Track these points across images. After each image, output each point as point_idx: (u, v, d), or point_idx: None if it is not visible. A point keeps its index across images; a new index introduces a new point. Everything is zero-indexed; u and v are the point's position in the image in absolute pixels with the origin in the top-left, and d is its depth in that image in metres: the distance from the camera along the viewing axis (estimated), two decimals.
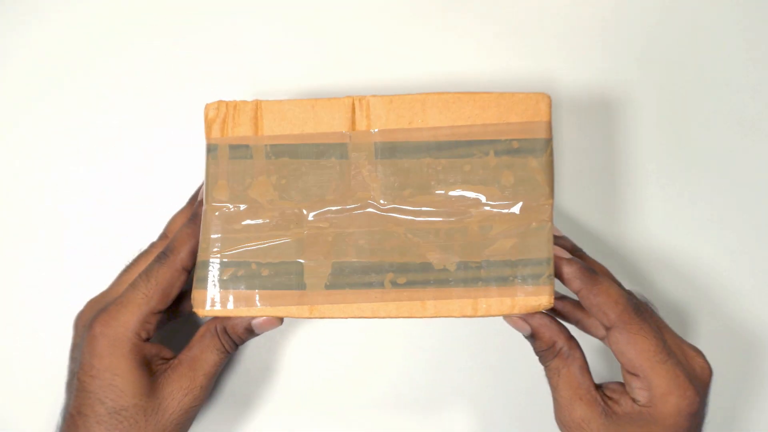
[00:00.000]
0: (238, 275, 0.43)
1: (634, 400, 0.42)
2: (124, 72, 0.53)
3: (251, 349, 0.51)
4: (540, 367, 0.45)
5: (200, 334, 0.45)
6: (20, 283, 0.52)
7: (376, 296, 0.43)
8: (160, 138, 0.52)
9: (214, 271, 0.43)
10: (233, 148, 0.43)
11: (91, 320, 0.43)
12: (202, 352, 0.44)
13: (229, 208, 0.43)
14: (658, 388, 0.41)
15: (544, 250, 0.42)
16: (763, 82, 0.52)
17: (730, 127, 0.52)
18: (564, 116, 0.52)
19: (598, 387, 0.44)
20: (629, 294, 0.43)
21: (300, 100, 0.44)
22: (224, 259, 0.43)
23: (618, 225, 0.52)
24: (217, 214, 0.43)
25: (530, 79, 0.52)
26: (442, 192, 0.43)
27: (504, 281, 0.42)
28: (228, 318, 0.44)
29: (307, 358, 0.51)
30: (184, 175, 0.52)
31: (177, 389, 0.43)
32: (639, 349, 0.41)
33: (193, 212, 0.45)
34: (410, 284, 0.43)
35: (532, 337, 0.44)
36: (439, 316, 0.42)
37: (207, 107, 0.44)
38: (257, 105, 0.44)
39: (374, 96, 0.43)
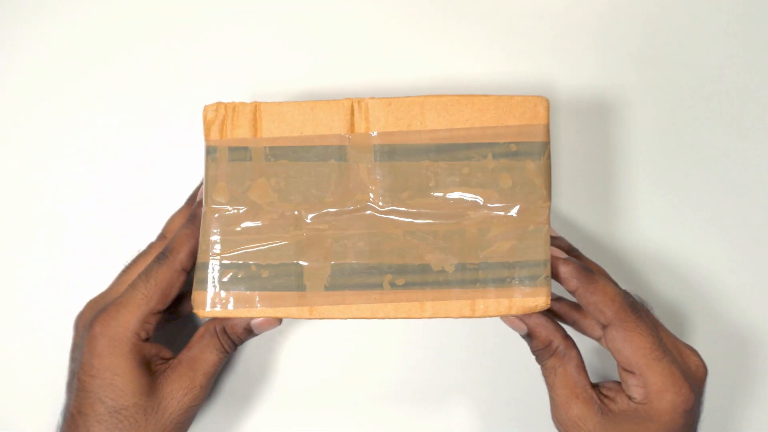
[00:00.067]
0: (238, 277, 0.43)
1: (629, 398, 0.42)
2: (124, 72, 0.52)
3: (250, 348, 0.51)
4: (538, 366, 0.45)
5: (199, 334, 0.45)
6: (20, 283, 0.51)
7: (375, 297, 0.42)
8: (160, 138, 0.52)
9: (214, 273, 0.43)
10: (232, 150, 0.43)
11: (91, 320, 0.43)
12: (202, 352, 0.44)
13: (228, 210, 0.43)
14: (653, 385, 0.41)
15: (541, 252, 0.42)
16: (759, 84, 0.52)
17: (725, 129, 0.52)
18: (560, 118, 0.52)
19: (595, 386, 0.44)
20: (625, 293, 0.43)
21: (299, 102, 0.43)
22: (224, 261, 0.43)
23: (613, 226, 0.51)
24: (216, 215, 0.43)
25: (527, 81, 0.52)
26: (441, 194, 0.43)
27: (502, 283, 0.42)
28: (227, 318, 0.44)
29: (305, 357, 0.51)
30: (184, 175, 0.51)
31: (177, 389, 0.43)
32: (635, 346, 0.41)
33: (192, 213, 0.45)
34: (409, 285, 0.43)
35: (529, 337, 0.44)
36: (438, 317, 0.42)
37: (206, 109, 0.43)
38: (256, 107, 0.43)
39: (373, 98, 0.43)
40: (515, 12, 0.52)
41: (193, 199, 0.48)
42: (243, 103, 0.43)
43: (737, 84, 0.52)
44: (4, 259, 0.51)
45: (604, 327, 0.42)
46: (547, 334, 0.44)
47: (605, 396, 0.43)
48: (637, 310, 0.42)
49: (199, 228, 0.44)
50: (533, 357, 0.45)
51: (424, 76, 0.52)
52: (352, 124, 0.43)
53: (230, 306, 0.43)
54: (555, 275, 0.43)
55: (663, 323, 0.45)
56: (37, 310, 0.51)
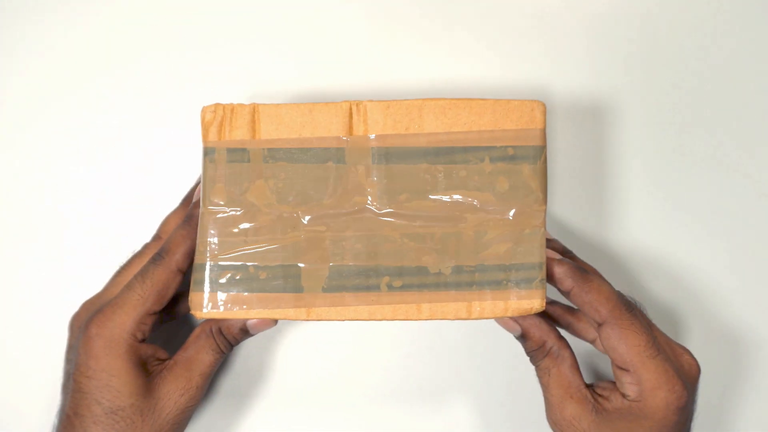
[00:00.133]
0: (235, 278, 0.42)
1: (624, 396, 0.42)
2: (123, 72, 0.52)
3: (247, 347, 0.51)
4: (533, 366, 0.45)
5: (195, 334, 0.45)
6: (20, 283, 0.51)
7: (373, 299, 0.42)
8: (160, 138, 0.51)
9: (211, 274, 0.42)
10: (231, 151, 0.43)
11: (87, 321, 0.42)
12: (198, 353, 0.44)
13: (226, 212, 0.43)
14: (647, 383, 0.41)
15: (536, 255, 0.42)
16: (753, 87, 0.52)
17: (719, 133, 0.52)
18: (555, 121, 0.51)
19: (589, 385, 0.44)
20: (619, 293, 0.43)
21: (297, 105, 0.43)
22: (222, 262, 0.42)
23: (607, 228, 0.51)
24: (214, 217, 0.43)
25: (524, 84, 0.52)
26: (438, 197, 0.43)
27: (497, 285, 0.42)
28: (223, 319, 0.43)
29: (302, 356, 0.51)
30: (184, 175, 0.51)
31: (173, 389, 0.43)
32: (630, 344, 0.41)
33: (188, 213, 0.44)
34: (406, 287, 0.42)
35: (523, 338, 0.44)
36: (434, 319, 0.42)
37: (204, 110, 0.43)
38: (254, 109, 0.43)
39: (371, 101, 0.43)
40: (512, 16, 0.52)
41: (188, 199, 0.47)
42: (241, 105, 0.43)
43: (732, 88, 0.52)
44: (4, 259, 0.51)
45: (599, 326, 0.42)
46: (541, 334, 0.44)
47: (599, 395, 0.43)
48: (631, 308, 0.42)
49: (195, 229, 0.43)
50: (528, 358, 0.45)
51: (422, 78, 0.52)
52: (350, 127, 0.43)
53: (228, 307, 0.42)
54: (550, 276, 0.43)
55: (657, 325, 0.45)
56: (37, 310, 0.50)
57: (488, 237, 0.42)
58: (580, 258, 0.47)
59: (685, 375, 0.42)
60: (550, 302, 0.47)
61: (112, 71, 0.52)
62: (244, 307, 0.42)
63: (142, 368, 0.42)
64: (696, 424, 0.44)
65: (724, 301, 0.51)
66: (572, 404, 0.43)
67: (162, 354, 0.44)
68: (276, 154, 0.43)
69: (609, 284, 0.43)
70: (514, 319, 0.43)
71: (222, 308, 0.42)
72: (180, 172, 0.51)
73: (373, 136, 0.43)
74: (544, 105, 0.43)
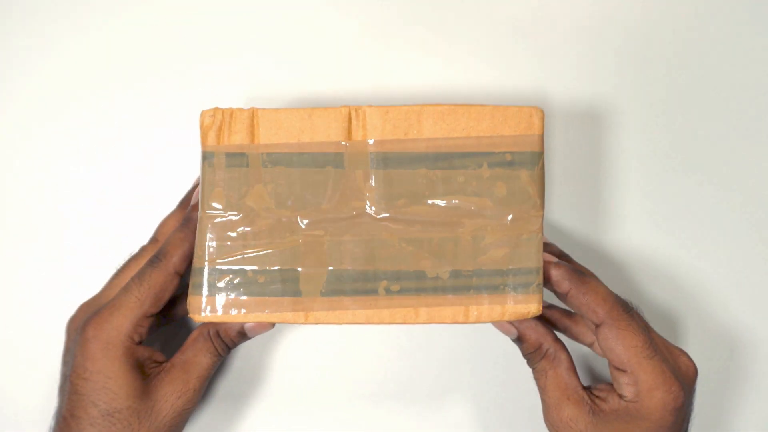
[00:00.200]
0: (234, 282, 0.42)
1: (621, 397, 0.42)
2: (123, 72, 0.51)
3: (244, 349, 0.50)
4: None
5: (193, 337, 0.44)
6: (20, 283, 0.50)
7: (371, 303, 0.42)
8: (160, 138, 0.51)
9: (210, 278, 0.42)
10: (230, 155, 0.42)
11: (84, 323, 0.42)
12: (195, 356, 0.44)
13: (225, 216, 0.42)
14: (644, 383, 0.41)
15: (533, 259, 0.42)
16: (749, 91, 0.52)
17: (713, 136, 0.52)
18: (552, 125, 0.51)
19: (586, 387, 0.44)
20: (616, 294, 0.43)
21: (296, 109, 0.42)
22: (220, 266, 0.42)
23: (604, 232, 0.51)
24: (213, 221, 0.42)
25: (522, 89, 0.51)
26: (436, 202, 0.42)
27: (495, 289, 0.42)
28: (221, 322, 0.43)
29: (299, 358, 0.50)
30: (183, 175, 0.50)
31: (170, 392, 0.42)
32: (627, 344, 0.41)
33: (186, 216, 0.44)
34: (404, 291, 0.42)
35: (519, 341, 0.44)
36: (432, 323, 0.42)
37: (203, 114, 0.42)
38: (253, 113, 0.42)
39: (370, 106, 0.42)
40: (510, 22, 0.52)
41: (185, 202, 0.47)
42: (240, 109, 0.42)
43: (728, 92, 0.52)
44: (4, 259, 0.50)
45: (596, 327, 0.42)
46: (537, 337, 0.44)
47: (596, 396, 0.43)
48: (628, 309, 0.42)
49: (192, 231, 0.43)
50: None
51: (421, 84, 0.51)
52: (349, 132, 0.42)
53: (226, 311, 0.42)
54: (546, 279, 0.43)
55: (654, 327, 0.45)
56: (37, 311, 0.50)
57: (486, 242, 0.42)
58: (577, 261, 0.47)
59: (682, 376, 0.42)
60: (548, 306, 0.47)
61: (112, 72, 0.51)
62: (243, 310, 0.42)
63: (139, 371, 0.42)
64: (693, 425, 0.44)
65: (720, 303, 0.51)
66: (569, 406, 0.43)
67: (159, 357, 0.43)
68: (275, 158, 0.42)
69: (606, 286, 0.43)
70: (511, 322, 0.43)
71: (220, 312, 0.42)
72: (179, 172, 0.51)
73: (371, 141, 0.42)
74: (542, 111, 0.42)
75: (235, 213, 0.42)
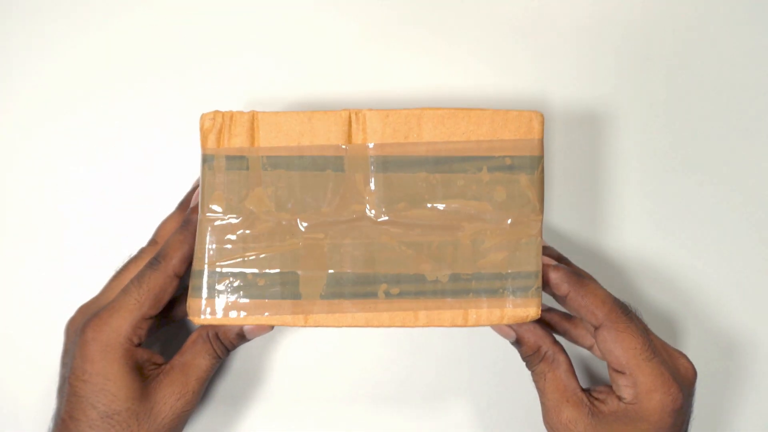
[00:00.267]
0: (234, 285, 0.42)
1: (619, 399, 0.42)
2: (124, 72, 0.51)
3: (243, 350, 0.50)
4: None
5: (192, 339, 0.44)
6: (20, 283, 0.50)
7: (370, 306, 0.42)
8: (160, 138, 0.51)
9: (209, 281, 0.42)
10: (230, 159, 0.42)
11: (83, 325, 0.41)
12: (195, 358, 0.43)
13: (224, 219, 0.42)
14: (643, 385, 0.41)
15: (533, 263, 0.42)
16: (747, 93, 0.52)
17: (713, 138, 0.52)
18: (551, 128, 0.51)
19: (585, 389, 0.44)
20: (615, 297, 0.43)
21: (296, 113, 0.42)
22: (220, 269, 0.42)
23: (602, 235, 0.51)
24: (212, 224, 0.42)
25: (521, 92, 0.51)
26: (436, 206, 0.42)
27: (494, 293, 0.42)
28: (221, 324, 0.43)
29: (299, 359, 0.50)
30: (184, 176, 0.50)
31: (169, 394, 0.42)
32: (626, 346, 0.41)
33: (185, 218, 0.44)
34: (403, 295, 0.42)
35: (518, 343, 0.44)
36: (431, 326, 0.42)
37: (203, 117, 0.42)
38: (253, 116, 0.42)
39: (371, 110, 0.42)
40: (509, 26, 0.52)
41: (185, 204, 0.47)
42: (240, 112, 0.42)
43: (726, 94, 0.52)
44: (4, 260, 0.50)
45: (595, 329, 0.42)
46: (536, 339, 0.43)
47: (595, 398, 0.43)
48: (627, 312, 0.42)
49: (192, 233, 0.43)
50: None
51: (421, 87, 0.51)
52: (349, 135, 0.42)
53: (225, 314, 0.42)
54: (546, 282, 0.43)
55: (653, 330, 0.45)
56: (36, 311, 0.50)
57: (485, 246, 0.42)
58: (576, 264, 0.47)
59: (681, 378, 0.42)
60: (547, 309, 0.47)
61: (113, 72, 0.51)
62: (242, 313, 0.41)
63: (138, 372, 0.42)
64: (692, 427, 0.44)
65: (720, 305, 0.51)
66: (568, 408, 0.42)
67: (158, 358, 0.43)
68: (275, 161, 0.42)
69: (604, 289, 0.43)
70: (509, 325, 0.43)
71: (220, 314, 0.42)
72: (180, 172, 0.50)
73: (371, 145, 0.42)
74: (542, 115, 0.42)
75: (235, 216, 0.42)
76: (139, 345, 0.42)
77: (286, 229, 0.42)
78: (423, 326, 0.42)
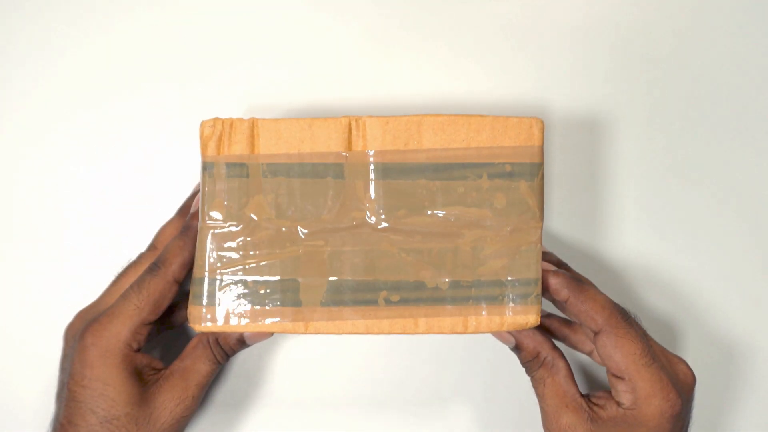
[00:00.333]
0: (234, 292, 0.41)
1: (618, 404, 0.41)
2: (125, 75, 0.51)
3: (243, 354, 0.50)
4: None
5: (192, 345, 0.44)
6: (20, 283, 0.50)
7: (370, 313, 0.42)
8: (160, 138, 0.50)
9: (210, 288, 0.41)
10: (230, 166, 0.42)
11: (82, 330, 0.41)
12: (195, 363, 0.43)
13: (225, 226, 0.42)
14: (642, 391, 0.40)
15: (532, 270, 0.42)
16: (745, 99, 0.52)
17: (713, 143, 0.51)
18: (551, 134, 0.51)
19: (584, 395, 0.43)
20: (615, 302, 0.42)
21: (296, 120, 0.42)
22: (220, 277, 0.41)
23: (602, 240, 0.51)
24: (213, 231, 0.42)
25: (520, 97, 0.51)
26: (436, 213, 0.42)
27: (493, 300, 0.42)
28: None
29: (299, 364, 0.50)
30: (185, 178, 0.50)
31: (169, 399, 0.42)
32: (625, 352, 0.41)
33: (185, 224, 0.43)
34: (403, 302, 0.42)
35: (517, 349, 0.44)
36: (431, 333, 0.42)
37: (203, 125, 0.42)
38: (253, 123, 0.42)
39: (371, 117, 0.42)
40: (510, 33, 0.52)
41: (184, 209, 0.46)
42: (240, 120, 0.42)
43: (726, 99, 0.52)
44: (4, 260, 0.50)
45: (595, 335, 0.42)
46: (535, 345, 0.43)
47: (594, 404, 0.43)
48: (627, 317, 0.42)
49: (192, 239, 0.43)
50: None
51: (420, 94, 0.51)
52: (349, 142, 0.42)
53: (226, 321, 0.41)
54: (545, 287, 0.42)
55: (652, 335, 0.44)
56: (37, 312, 0.50)
57: (485, 252, 0.42)
58: (575, 270, 0.47)
59: (680, 384, 0.42)
60: (547, 315, 0.47)
61: (114, 77, 0.51)
62: (243, 320, 0.41)
63: (138, 378, 0.41)
64: None
65: (719, 311, 0.51)
66: (568, 413, 0.42)
67: (157, 364, 0.43)
68: (275, 168, 0.42)
69: (604, 294, 0.43)
70: (509, 331, 0.43)
71: (220, 322, 0.41)
72: (180, 175, 0.50)
73: (371, 152, 0.42)
74: (542, 122, 0.42)
75: (235, 223, 0.42)
76: (138, 350, 0.42)
77: (287, 237, 0.42)
78: (423, 333, 0.42)
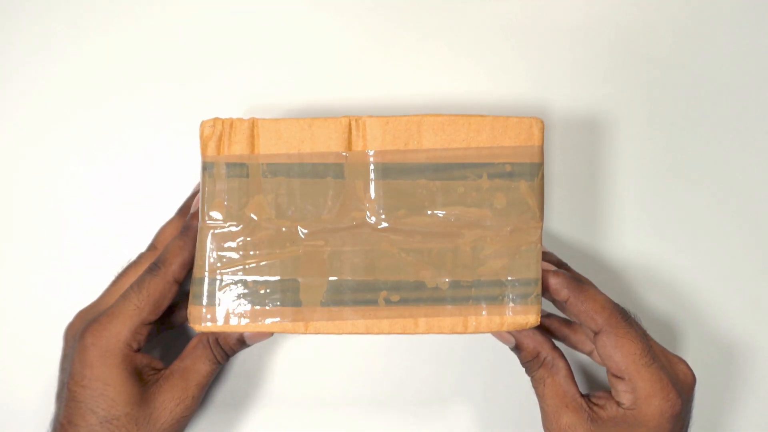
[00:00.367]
0: (234, 292, 0.41)
1: (618, 404, 0.41)
2: (125, 75, 0.51)
3: (243, 353, 0.49)
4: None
5: (192, 345, 0.44)
6: (20, 284, 0.50)
7: (370, 313, 0.41)
8: (161, 138, 0.50)
9: (210, 288, 0.41)
10: (230, 166, 0.42)
11: (82, 330, 0.41)
12: (195, 363, 0.43)
13: (225, 226, 0.42)
14: (642, 391, 0.40)
15: (532, 270, 0.42)
16: (744, 100, 0.52)
17: (713, 144, 0.51)
18: (551, 134, 0.51)
19: (584, 395, 0.43)
20: (615, 302, 0.42)
21: (296, 120, 0.42)
22: (220, 277, 0.41)
23: (602, 240, 0.51)
24: (213, 231, 0.42)
25: (520, 97, 0.51)
26: (436, 213, 0.42)
27: (493, 300, 0.41)
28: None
29: (299, 364, 0.50)
30: (185, 178, 0.50)
31: (169, 399, 0.42)
32: (625, 352, 0.41)
33: (185, 224, 0.43)
34: (403, 302, 0.42)
35: (517, 349, 0.44)
36: (431, 333, 0.42)
37: (203, 125, 0.42)
38: (253, 123, 0.42)
39: (371, 117, 0.42)
40: (510, 33, 0.51)
41: (184, 209, 0.46)
42: (240, 120, 0.42)
43: (726, 100, 0.52)
44: (4, 261, 0.50)
45: (595, 335, 0.42)
46: (535, 345, 0.43)
47: (594, 404, 0.43)
48: (627, 317, 0.42)
49: (192, 239, 0.43)
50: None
51: (420, 94, 0.51)
52: (349, 142, 0.42)
53: (226, 321, 0.41)
54: (545, 287, 0.42)
55: (652, 335, 0.44)
56: (36, 311, 0.49)
57: (485, 253, 0.42)
58: (575, 270, 0.47)
59: (680, 384, 0.42)
60: (547, 315, 0.46)
61: (114, 77, 0.51)
62: (243, 320, 0.41)
63: (138, 377, 0.41)
64: None
65: (719, 311, 0.51)
66: (568, 413, 0.42)
67: (157, 364, 0.43)
68: (275, 168, 0.42)
69: (604, 294, 0.42)
70: (509, 331, 0.43)
71: (220, 322, 0.41)
72: (180, 175, 0.50)
73: (371, 152, 0.42)
74: (542, 122, 0.42)
75: (235, 223, 0.42)
76: (138, 350, 0.42)
77: (287, 237, 0.42)
78: (423, 333, 0.42)
